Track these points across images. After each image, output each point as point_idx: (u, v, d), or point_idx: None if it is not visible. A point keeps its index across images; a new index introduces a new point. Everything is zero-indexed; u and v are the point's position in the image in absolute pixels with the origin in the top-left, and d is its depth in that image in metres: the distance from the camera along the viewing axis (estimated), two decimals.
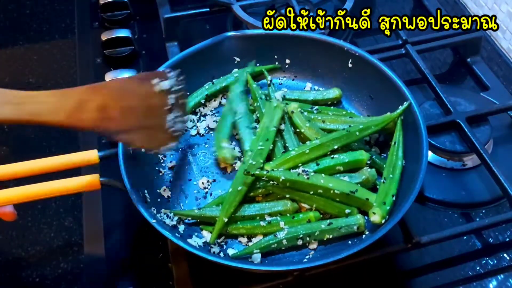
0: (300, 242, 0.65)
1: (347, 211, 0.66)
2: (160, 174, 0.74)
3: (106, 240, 0.71)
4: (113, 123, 0.56)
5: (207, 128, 0.79)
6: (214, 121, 0.80)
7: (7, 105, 0.51)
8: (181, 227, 0.67)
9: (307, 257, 0.65)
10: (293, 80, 0.84)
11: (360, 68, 0.79)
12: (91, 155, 0.68)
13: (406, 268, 0.69)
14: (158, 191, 0.71)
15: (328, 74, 0.83)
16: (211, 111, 0.81)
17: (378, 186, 0.68)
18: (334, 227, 0.65)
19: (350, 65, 0.80)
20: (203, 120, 0.80)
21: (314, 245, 0.66)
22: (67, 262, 0.71)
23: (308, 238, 0.65)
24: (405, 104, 0.71)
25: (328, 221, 0.65)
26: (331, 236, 0.65)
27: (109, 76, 0.88)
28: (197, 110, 0.81)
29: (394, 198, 0.66)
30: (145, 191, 0.68)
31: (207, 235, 0.67)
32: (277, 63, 0.84)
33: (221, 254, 0.65)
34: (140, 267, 0.69)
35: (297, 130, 0.74)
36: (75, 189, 0.66)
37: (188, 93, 0.75)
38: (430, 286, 0.67)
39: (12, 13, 1.07)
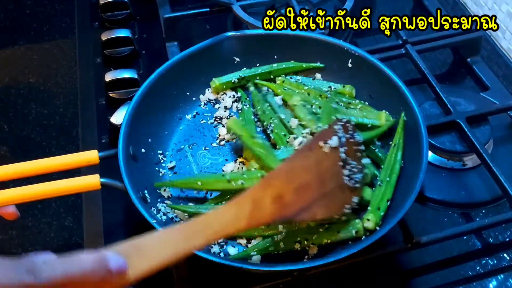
0: (298, 246, 0.64)
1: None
2: (160, 174, 0.74)
3: (106, 240, 0.71)
4: (290, 208, 0.53)
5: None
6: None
7: (198, 234, 0.50)
8: None
9: (307, 257, 0.65)
10: (291, 79, 0.84)
11: (359, 67, 0.79)
12: (91, 156, 0.68)
13: (406, 268, 0.69)
14: (158, 191, 0.71)
15: (328, 74, 0.83)
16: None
17: (374, 188, 0.68)
18: (332, 231, 0.64)
19: (349, 65, 0.80)
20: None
21: (314, 250, 0.65)
22: None
23: (306, 242, 0.64)
24: (402, 115, 0.72)
25: (327, 225, 0.65)
26: (329, 241, 0.65)
27: (109, 76, 0.88)
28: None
29: (388, 203, 0.66)
30: (145, 191, 0.68)
31: None
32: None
33: (221, 254, 0.65)
34: None
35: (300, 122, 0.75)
36: (75, 190, 0.66)
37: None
38: (430, 286, 0.67)
39: (12, 13, 1.08)
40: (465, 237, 0.70)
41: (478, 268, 0.68)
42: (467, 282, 0.67)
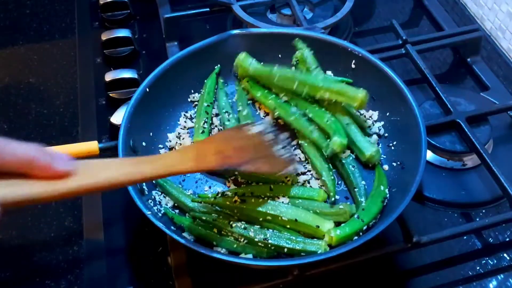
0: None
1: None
2: None
3: (106, 235, 0.72)
4: (233, 160, 0.62)
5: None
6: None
7: (146, 164, 0.57)
8: None
9: None
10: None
11: (363, 69, 0.78)
12: (92, 146, 0.70)
13: (406, 268, 0.69)
14: (155, 181, 0.71)
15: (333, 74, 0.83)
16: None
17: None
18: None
19: (353, 66, 0.80)
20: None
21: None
22: (67, 261, 0.71)
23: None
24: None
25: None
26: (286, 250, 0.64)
27: (109, 76, 0.88)
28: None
29: (358, 219, 0.65)
30: (144, 184, 0.68)
31: None
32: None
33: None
34: (140, 263, 0.69)
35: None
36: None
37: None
38: (430, 286, 0.67)
39: (12, 13, 1.07)
40: (465, 237, 0.70)
41: (478, 268, 0.68)
42: (467, 282, 0.67)
